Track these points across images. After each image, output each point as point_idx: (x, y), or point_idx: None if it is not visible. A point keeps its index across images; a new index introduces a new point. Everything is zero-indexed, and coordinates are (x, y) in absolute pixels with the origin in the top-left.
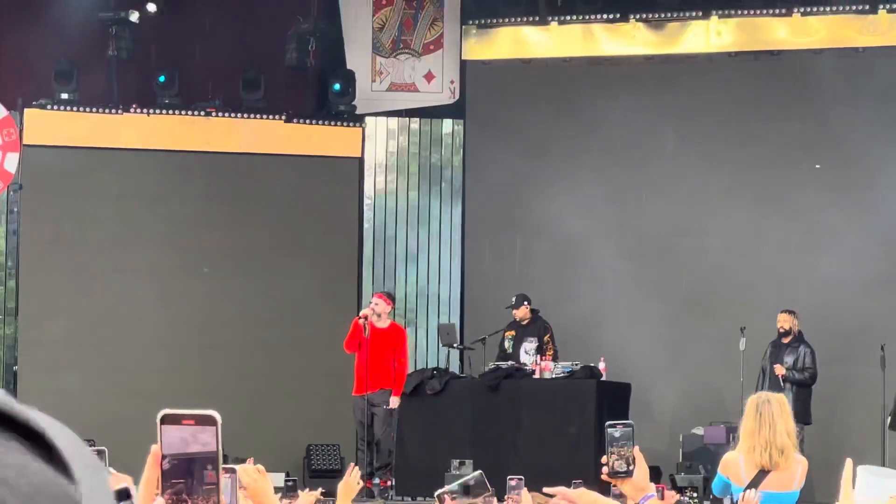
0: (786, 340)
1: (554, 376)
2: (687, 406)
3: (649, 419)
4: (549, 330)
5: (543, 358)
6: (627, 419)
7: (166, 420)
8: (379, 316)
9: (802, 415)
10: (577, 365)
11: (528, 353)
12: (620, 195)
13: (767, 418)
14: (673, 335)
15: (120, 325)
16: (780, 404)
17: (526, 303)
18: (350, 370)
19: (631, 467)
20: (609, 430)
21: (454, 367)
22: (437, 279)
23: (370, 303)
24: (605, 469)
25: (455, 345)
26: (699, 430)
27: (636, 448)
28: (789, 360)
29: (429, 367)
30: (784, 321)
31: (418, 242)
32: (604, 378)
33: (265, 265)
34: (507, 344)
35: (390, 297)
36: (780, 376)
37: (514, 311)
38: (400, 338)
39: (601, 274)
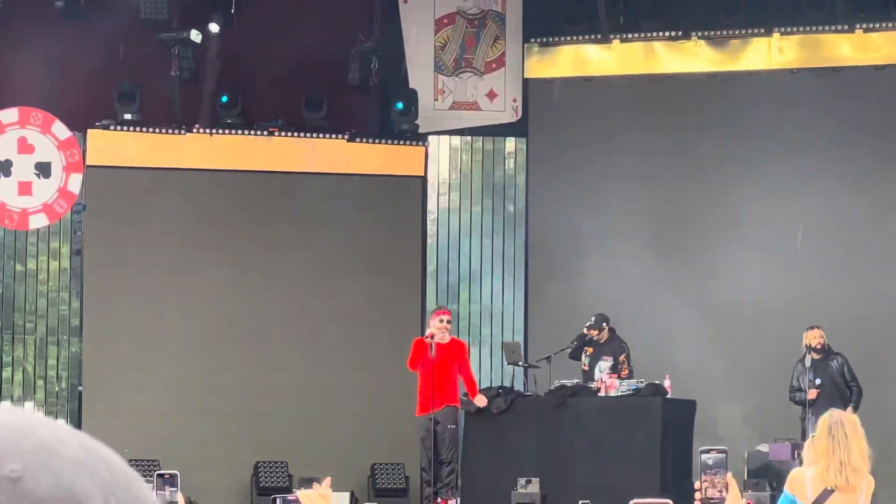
0: (818, 357)
1: (619, 394)
2: (751, 423)
3: (713, 436)
4: (625, 349)
5: (613, 376)
6: (692, 437)
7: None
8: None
9: None
10: (642, 383)
11: (601, 371)
12: (684, 212)
13: (841, 439)
14: (736, 352)
15: (184, 345)
16: (853, 424)
17: (605, 324)
18: (413, 388)
19: (723, 493)
20: (702, 456)
21: (518, 386)
22: (500, 297)
23: (440, 320)
24: (697, 495)
25: (520, 363)
26: (764, 447)
27: (729, 474)
28: (827, 374)
29: (493, 385)
30: (817, 337)
31: (482, 260)
32: (669, 396)
33: (328, 284)
34: (584, 360)
35: (450, 312)
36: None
37: (593, 332)
38: (462, 351)
39: (665, 292)
